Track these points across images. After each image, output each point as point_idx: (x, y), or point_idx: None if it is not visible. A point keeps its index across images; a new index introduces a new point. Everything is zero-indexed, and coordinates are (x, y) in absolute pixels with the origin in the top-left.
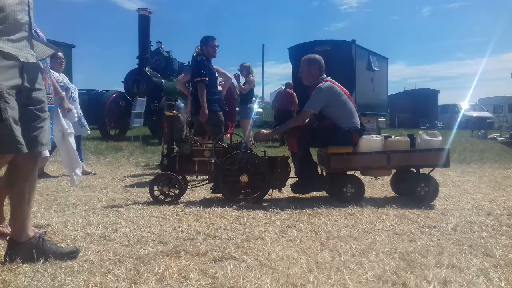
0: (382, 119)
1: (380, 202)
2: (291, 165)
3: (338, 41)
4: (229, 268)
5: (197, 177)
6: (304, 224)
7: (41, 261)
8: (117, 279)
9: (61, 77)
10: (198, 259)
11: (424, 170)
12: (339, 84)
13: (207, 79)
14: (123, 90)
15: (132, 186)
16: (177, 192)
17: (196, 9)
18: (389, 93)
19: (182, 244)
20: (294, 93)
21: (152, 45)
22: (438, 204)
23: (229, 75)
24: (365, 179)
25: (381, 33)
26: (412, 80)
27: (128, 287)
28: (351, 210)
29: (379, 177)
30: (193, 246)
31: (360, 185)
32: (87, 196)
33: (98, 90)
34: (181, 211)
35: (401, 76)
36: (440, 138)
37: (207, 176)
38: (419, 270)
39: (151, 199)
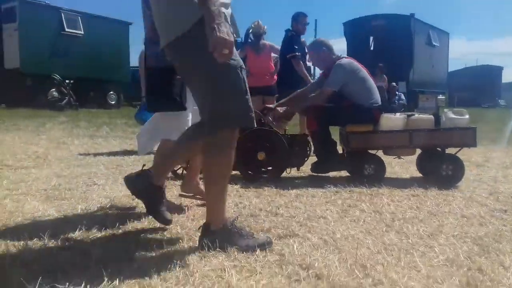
0: (441, 97)
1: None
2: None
3: (395, 15)
4: (294, 246)
5: None
6: (366, 204)
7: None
8: (184, 253)
9: None
10: (263, 235)
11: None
12: (356, 60)
13: (299, 54)
14: None
15: None
16: None
17: None
18: (449, 70)
19: (245, 220)
20: None
21: None
22: (508, 187)
23: None
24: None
25: (440, 6)
26: (473, 56)
27: (199, 260)
28: (414, 191)
29: (402, 156)
30: (256, 223)
31: (380, 165)
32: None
33: None
34: (240, 187)
35: (462, 52)
36: (467, 116)
37: None
38: (494, 256)
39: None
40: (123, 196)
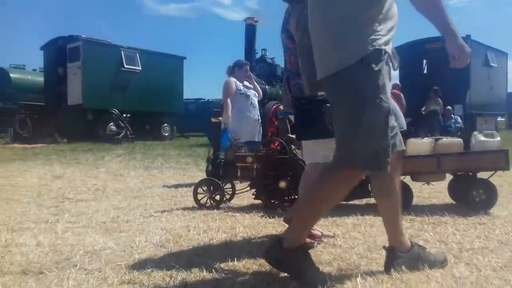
0: (500, 119)
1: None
2: None
3: None
4: (357, 280)
5: (240, 182)
6: (430, 234)
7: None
8: (243, 286)
9: (241, 85)
10: (323, 268)
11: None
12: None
13: None
14: None
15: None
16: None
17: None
18: (509, 91)
19: None
20: (402, 94)
21: (257, 53)
22: None
23: None
24: None
25: (498, 27)
26: None
27: None
28: (480, 219)
29: (432, 182)
30: (314, 255)
31: (407, 192)
32: (203, 201)
33: (205, 99)
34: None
35: None
36: (498, 139)
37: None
38: None
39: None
40: (179, 227)
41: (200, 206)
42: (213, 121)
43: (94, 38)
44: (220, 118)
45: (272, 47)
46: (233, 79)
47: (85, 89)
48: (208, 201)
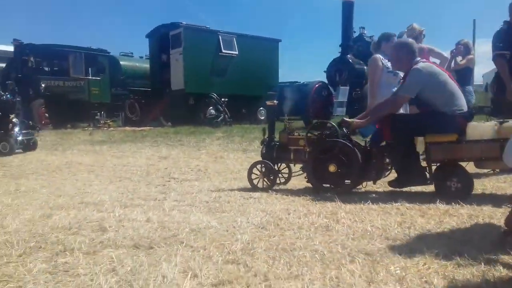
0: None
1: None
2: None
3: None
4: (480, 278)
5: (294, 165)
6: None
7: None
8: (352, 275)
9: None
10: (437, 261)
11: None
12: (437, 64)
13: (507, 52)
14: (325, 80)
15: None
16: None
17: None
18: None
19: (413, 242)
20: None
21: (355, 32)
22: None
23: (445, 55)
24: None
25: None
26: None
27: (366, 286)
28: None
29: (497, 169)
30: (426, 246)
31: (467, 179)
32: (301, 185)
33: (300, 82)
34: (401, 205)
35: None
36: None
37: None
38: None
39: (369, 190)
40: (278, 210)
41: (255, 187)
42: (268, 104)
43: (193, 24)
44: (276, 102)
45: (370, 24)
46: (379, 56)
47: (186, 75)
48: (262, 182)
